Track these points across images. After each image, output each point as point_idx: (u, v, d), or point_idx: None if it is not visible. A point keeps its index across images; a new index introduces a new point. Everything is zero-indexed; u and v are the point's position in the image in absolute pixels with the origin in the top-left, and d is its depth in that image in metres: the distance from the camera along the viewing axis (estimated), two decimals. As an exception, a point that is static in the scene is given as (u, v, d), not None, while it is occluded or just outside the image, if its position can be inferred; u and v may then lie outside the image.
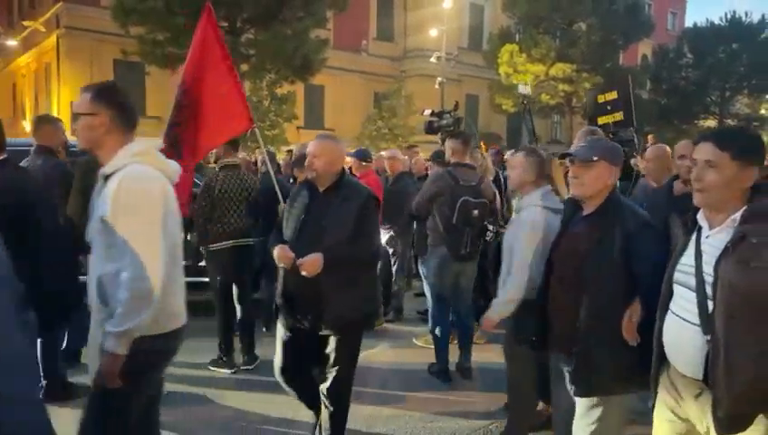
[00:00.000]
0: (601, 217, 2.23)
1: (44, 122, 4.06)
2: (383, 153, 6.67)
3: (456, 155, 4.15)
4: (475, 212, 3.96)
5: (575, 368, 2.18)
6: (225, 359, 4.33)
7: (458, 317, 4.31)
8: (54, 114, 19.02)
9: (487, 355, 4.49)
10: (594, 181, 2.23)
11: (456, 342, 4.37)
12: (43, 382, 3.62)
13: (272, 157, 5.77)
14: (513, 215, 3.15)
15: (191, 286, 4.88)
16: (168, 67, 14.21)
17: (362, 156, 5.51)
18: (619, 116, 5.74)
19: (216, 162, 4.73)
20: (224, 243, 4.26)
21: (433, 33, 23.19)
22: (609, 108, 5.90)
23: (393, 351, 4.85)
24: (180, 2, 12.26)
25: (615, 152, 2.32)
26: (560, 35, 22.97)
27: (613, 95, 5.95)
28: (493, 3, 28.47)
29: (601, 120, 5.80)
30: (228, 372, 4.27)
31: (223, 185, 4.29)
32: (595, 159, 2.22)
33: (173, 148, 3.86)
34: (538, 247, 2.72)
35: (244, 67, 14.34)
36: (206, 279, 4.54)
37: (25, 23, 20.23)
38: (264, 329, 5.00)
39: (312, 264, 2.60)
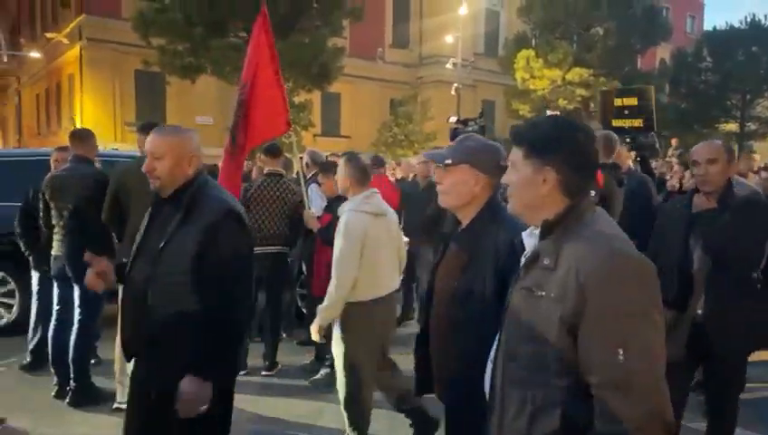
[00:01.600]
0: (470, 236, 1.86)
1: (89, 135, 4.27)
2: (411, 159, 6.66)
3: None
4: None
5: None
6: (268, 362, 4.42)
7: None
8: (78, 124, 19.41)
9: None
10: (453, 188, 1.89)
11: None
12: (73, 385, 3.73)
13: (288, 165, 5.85)
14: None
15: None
16: (187, 77, 14.43)
17: (374, 162, 5.54)
18: (638, 123, 5.71)
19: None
20: (256, 249, 4.34)
21: (448, 39, 23.24)
22: (626, 112, 5.86)
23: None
24: (199, 13, 12.46)
25: (481, 155, 1.88)
26: (576, 40, 22.88)
27: (633, 101, 5.90)
28: (508, 8, 28.46)
29: (616, 123, 5.76)
30: (241, 372, 4.32)
31: (259, 191, 4.40)
32: (449, 162, 1.88)
33: (231, 143, 4.04)
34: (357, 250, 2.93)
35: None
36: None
37: (48, 35, 20.68)
38: (283, 335, 5.06)
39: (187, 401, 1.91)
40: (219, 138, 14.48)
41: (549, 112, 7.46)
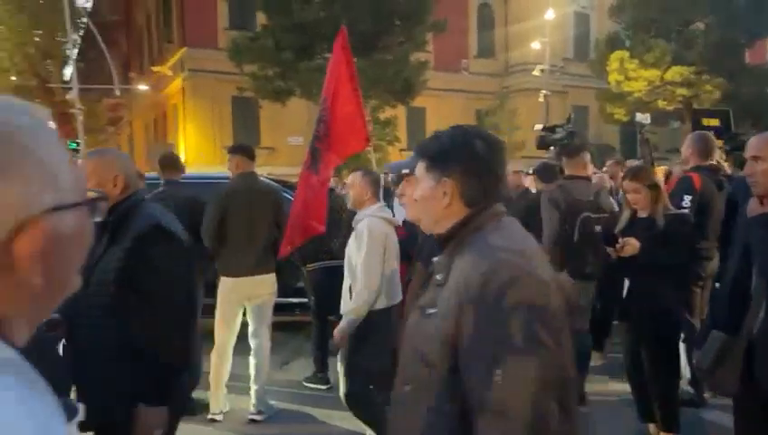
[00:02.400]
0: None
1: (179, 160, 4.57)
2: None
3: (569, 168, 4.01)
4: (598, 228, 3.75)
5: None
6: (320, 375, 4.45)
7: (574, 340, 4.10)
8: (182, 149, 20.78)
9: (604, 380, 4.23)
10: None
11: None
12: None
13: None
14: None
15: (288, 307, 5.12)
16: (278, 100, 15.07)
17: None
18: (720, 143, 5.68)
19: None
20: (318, 263, 4.42)
21: (535, 45, 22.70)
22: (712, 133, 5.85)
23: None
24: (287, 39, 12.99)
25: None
26: (674, 37, 21.56)
27: (714, 122, 6.06)
28: (599, 10, 27.40)
29: None
30: (323, 387, 4.38)
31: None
32: (406, 171, 1.82)
33: (313, 162, 4.17)
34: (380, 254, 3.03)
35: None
36: (303, 299, 4.75)
37: (155, 68, 22.36)
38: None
39: None
40: (309, 157, 14.95)
41: (638, 116, 7.10)
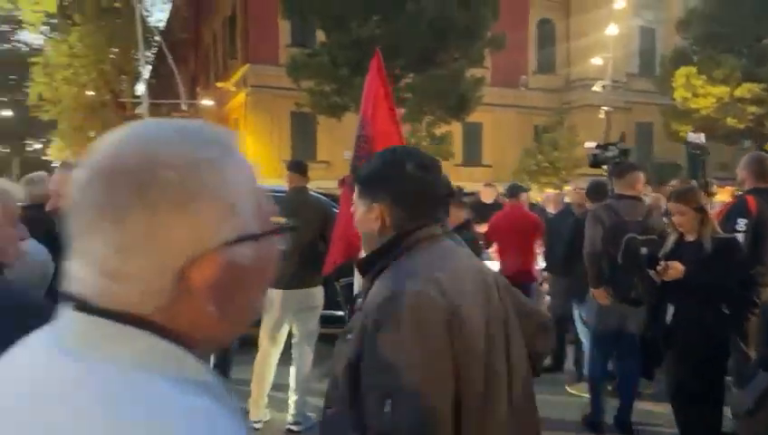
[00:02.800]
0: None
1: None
2: (567, 188, 6.52)
3: (618, 187, 3.91)
4: (644, 250, 3.63)
5: None
6: None
7: (621, 365, 3.97)
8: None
9: (651, 409, 4.06)
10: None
11: (614, 391, 4.02)
12: None
13: None
14: None
15: (338, 319, 5.16)
16: (334, 115, 15.36)
17: (510, 191, 5.52)
18: None
19: None
20: (351, 278, 4.46)
21: (597, 61, 22.19)
22: None
23: (543, 398, 4.60)
24: (344, 56, 13.25)
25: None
26: (745, 53, 20.61)
27: None
28: (665, 24, 26.55)
29: None
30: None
31: None
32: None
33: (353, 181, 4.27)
34: None
35: (402, 111, 14.98)
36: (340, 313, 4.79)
37: (219, 84, 23.25)
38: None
39: None
40: (362, 171, 15.11)
41: (691, 135, 6.76)
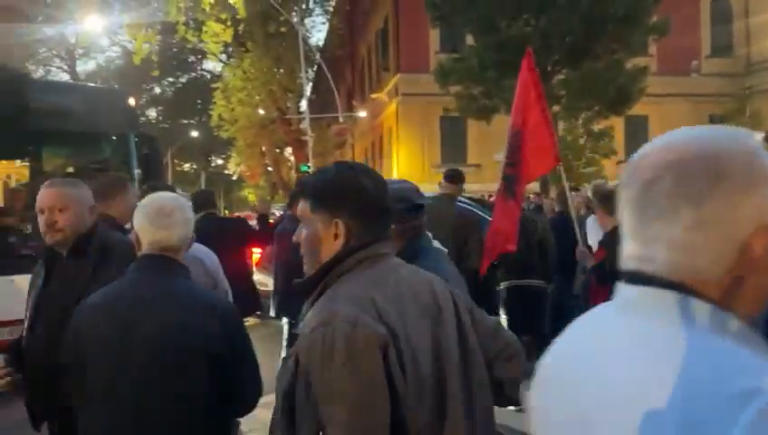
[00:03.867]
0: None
1: None
2: None
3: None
4: None
5: None
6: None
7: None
8: (394, 171, 22.15)
9: None
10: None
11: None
12: None
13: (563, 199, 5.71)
14: None
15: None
16: (482, 118, 15.26)
17: None
18: None
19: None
20: (508, 282, 4.41)
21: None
22: None
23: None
24: (492, 57, 13.12)
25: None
26: None
27: None
28: None
29: None
30: (512, 408, 4.34)
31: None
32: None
33: (507, 188, 4.30)
34: None
35: (557, 108, 14.43)
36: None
37: (373, 95, 24.28)
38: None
39: None
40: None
41: None
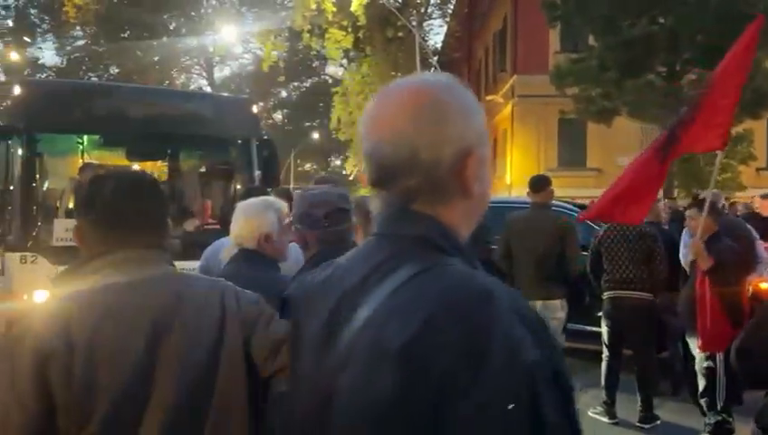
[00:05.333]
0: None
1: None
2: None
3: None
4: None
5: None
6: (605, 408, 4.33)
7: None
8: (508, 174, 21.81)
9: None
10: None
11: None
12: None
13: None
14: None
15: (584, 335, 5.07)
16: (602, 121, 14.61)
17: None
18: None
19: None
20: (611, 292, 4.30)
21: None
22: None
23: None
24: (613, 57, 12.56)
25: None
26: None
27: None
28: None
29: None
30: (607, 421, 4.23)
31: (609, 231, 4.37)
32: None
33: (664, 147, 3.92)
34: None
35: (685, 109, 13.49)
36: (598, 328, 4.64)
37: (488, 97, 24.06)
38: (670, 392, 4.69)
39: None
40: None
41: None
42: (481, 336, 0.73)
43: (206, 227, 5.70)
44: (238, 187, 5.90)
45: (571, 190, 17.94)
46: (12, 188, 4.90)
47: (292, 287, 1.09)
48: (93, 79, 25.67)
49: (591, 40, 14.82)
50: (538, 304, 4.10)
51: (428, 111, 0.88)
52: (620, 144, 18.93)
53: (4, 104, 5.24)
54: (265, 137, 6.09)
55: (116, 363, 1.24)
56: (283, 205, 2.30)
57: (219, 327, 1.36)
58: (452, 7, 28.42)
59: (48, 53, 62.97)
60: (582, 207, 6.28)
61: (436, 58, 25.76)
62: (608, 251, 4.39)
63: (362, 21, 20.76)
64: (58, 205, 5.61)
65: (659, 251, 4.35)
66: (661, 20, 12.58)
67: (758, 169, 19.19)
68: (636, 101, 13.12)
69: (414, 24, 21.72)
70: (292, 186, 26.00)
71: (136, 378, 1.25)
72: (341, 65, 28.56)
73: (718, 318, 3.62)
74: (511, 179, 21.51)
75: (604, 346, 4.53)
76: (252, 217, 2.18)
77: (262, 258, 2.11)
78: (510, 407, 0.69)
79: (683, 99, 13.42)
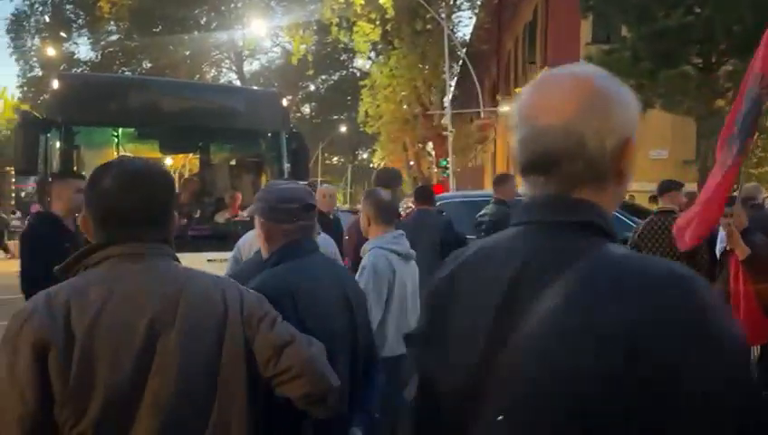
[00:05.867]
0: None
1: (507, 179, 5.05)
2: None
3: None
4: None
5: None
6: None
7: None
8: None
9: None
10: None
11: None
12: None
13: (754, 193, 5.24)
14: None
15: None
16: (635, 113, 14.35)
17: None
18: None
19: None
20: None
21: None
22: None
23: None
24: (647, 49, 12.30)
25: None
26: None
27: None
28: None
29: None
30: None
31: (645, 229, 4.30)
32: None
33: (738, 149, 3.52)
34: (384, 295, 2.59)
35: (721, 103, 13.15)
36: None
37: (517, 90, 23.79)
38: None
39: None
40: (673, 171, 13.76)
41: None
42: (709, 323, 0.76)
43: (236, 218, 5.78)
44: (268, 179, 5.97)
45: (601, 184, 17.72)
46: (50, 179, 5.05)
47: (429, 284, 1.05)
48: (127, 73, 26.19)
49: (624, 31, 14.52)
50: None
51: (596, 100, 0.91)
52: (652, 137, 18.56)
53: (43, 98, 5.40)
54: (294, 130, 6.15)
55: (113, 358, 1.22)
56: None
57: (221, 326, 1.34)
58: (481, -2, 28.17)
59: (83, 48, 64.35)
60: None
61: (464, 50, 25.57)
62: (647, 245, 4.32)
63: (390, 13, 20.70)
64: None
65: (700, 242, 4.26)
66: (697, 10, 12.26)
67: (797, 164, 18.61)
68: (670, 93, 12.84)
69: (443, 16, 21.58)
70: (319, 179, 26.17)
71: (133, 374, 1.23)
72: (369, 58, 28.57)
73: (753, 311, 3.56)
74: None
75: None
76: None
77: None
78: (732, 396, 0.74)
79: (718, 91, 13.11)
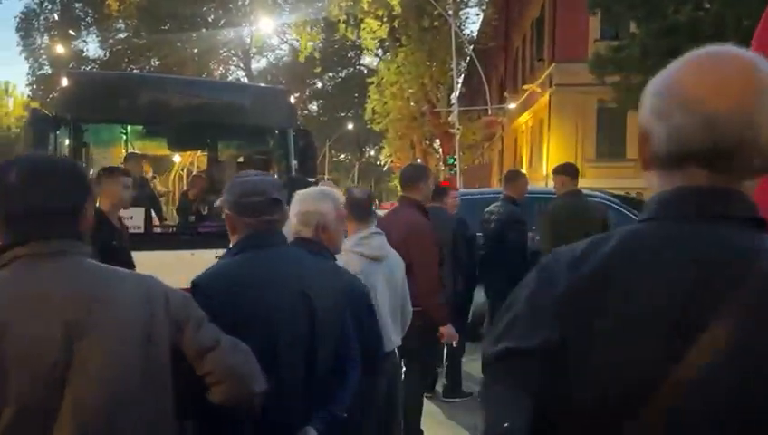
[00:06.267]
0: None
1: (518, 176, 5.04)
2: None
3: None
4: None
5: None
6: None
7: None
8: (544, 165, 21.50)
9: None
10: None
11: None
12: None
13: None
14: None
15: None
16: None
17: None
18: None
19: None
20: None
21: None
22: None
23: None
24: (656, 45, 12.23)
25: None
26: None
27: None
28: None
29: None
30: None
31: None
32: None
33: None
34: None
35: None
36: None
37: (525, 86, 23.72)
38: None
39: None
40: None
41: None
42: None
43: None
44: (275, 177, 5.98)
45: (609, 181, 17.60)
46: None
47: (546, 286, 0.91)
48: (135, 71, 26.30)
49: (633, 27, 14.45)
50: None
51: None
52: (662, 134, 18.41)
53: (52, 95, 5.43)
54: (301, 127, 6.16)
55: (26, 366, 1.18)
56: (340, 195, 2.35)
57: (145, 325, 1.30)
58: (489, -6, 28.08)
59: (92, 46, 64.57)
60: (619, 197, 6.15)
61: (471, 47, 25.51)
62: None
63: (398, 10, 20.68)
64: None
65: None
66: (707, 5, 12.19)
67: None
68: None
69: (450, 12, 21.53)
70: (326, 176, 26.18)
71: (48, 380, 1.19)
72: (377, 55, 28.57)
73: None
74: (547, 170, 21.20)
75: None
76: (309, 207, 2.21)
77: (318, 248, 2.14)
78: None
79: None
